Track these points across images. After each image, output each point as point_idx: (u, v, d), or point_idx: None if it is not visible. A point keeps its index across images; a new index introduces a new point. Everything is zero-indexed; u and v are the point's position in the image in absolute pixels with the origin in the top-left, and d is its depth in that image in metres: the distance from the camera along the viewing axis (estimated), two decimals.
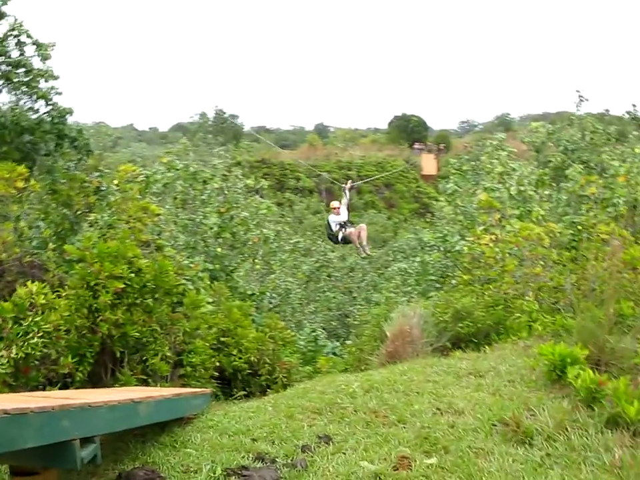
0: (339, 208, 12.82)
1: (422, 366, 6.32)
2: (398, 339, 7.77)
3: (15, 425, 2.70)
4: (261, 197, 17.20)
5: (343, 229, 12.65)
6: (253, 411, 5.14)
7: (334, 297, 23.17)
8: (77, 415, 3.17)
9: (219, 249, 12.68)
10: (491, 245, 9.32)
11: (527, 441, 4.09)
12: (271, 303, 16.51)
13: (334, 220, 12.85)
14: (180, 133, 66.55)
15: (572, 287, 8.12)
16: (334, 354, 14.38)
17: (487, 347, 7.12)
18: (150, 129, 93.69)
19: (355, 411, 4.88)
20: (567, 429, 4.17)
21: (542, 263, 8.86)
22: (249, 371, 8.16)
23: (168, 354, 6.66)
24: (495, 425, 4.36)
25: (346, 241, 13.05)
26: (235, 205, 13.46)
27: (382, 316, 9.68)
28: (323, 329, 18.15)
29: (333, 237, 13.18)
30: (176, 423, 4.70)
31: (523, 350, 6.67)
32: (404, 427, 4.49)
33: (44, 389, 5.57)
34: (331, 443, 4.26)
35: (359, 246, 13.08)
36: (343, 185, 13.77)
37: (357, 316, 19.72)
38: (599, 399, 4.51)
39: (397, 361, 7.32)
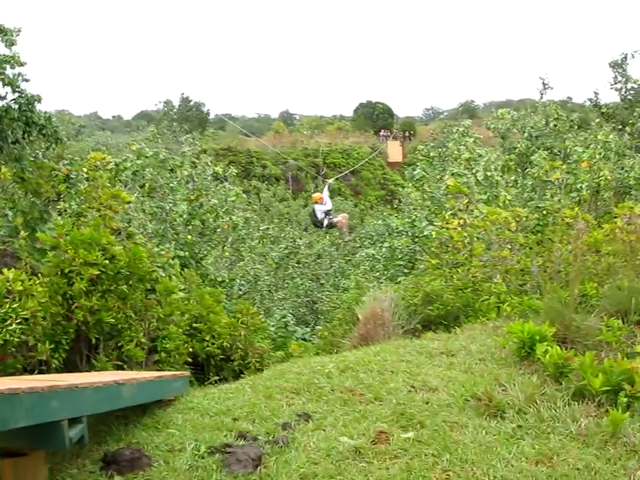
0: (322, 198, 15.12)
1: (395, 347, 6.46)
2: (370, 321, 7.91)
3: (7, 404, 2.76)
4: (228, 184, 17.18)
5: (329, 217, 15.03)
6: (231, 392, 5.23)
7: (302, 284, 23.30)
8: (64, 396, 3.23)
9: (189, 237, 12.70)
10: (459, 229, 9.50)
11: (499, 414, 4.26)
12: (240, 289, 16.58)
13: (320, 209, 15.12)
14: (144, 120, 65.93)
15: (538, 270, 8.35)
16: (304, 339, 14.52)
17: (457, 328, 7.29)
18: (114, 117, 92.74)
19: (332, 390, 5.00)
20: (536, 402, 4.35)
21: (509, 246, 9.07)
22: (221, 357, 8.25)
23: (143, 340, 6.70)
24: (468, 400, 4.52)
25: (331, 226, 15.59)
26: (204, 193, 13.47)
27: (353, 300, 9.83)
28: (292, 315, 18.27)
29: (318, 223, 15.57)
30: (156, 405, 4.77)
31: (492, 330, 6.86)
32: (380, 404, 4.63)
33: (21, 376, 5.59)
34: (310, 421, 4.38)
35: (344, 231, 16.93)
36: (327, 180, 16.53)
37: (326, 302, 19.90)
38: (566, 374, 4.71)
39: (369, 343, 7.45)
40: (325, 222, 15.26)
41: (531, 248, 8.84)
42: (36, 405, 2.96)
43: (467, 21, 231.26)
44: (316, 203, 15.44)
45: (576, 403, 4.32)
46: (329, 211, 15.26)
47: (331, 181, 16.59)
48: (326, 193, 15.43)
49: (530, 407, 4.31)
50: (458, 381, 5.01)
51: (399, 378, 5.21)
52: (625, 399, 4.17)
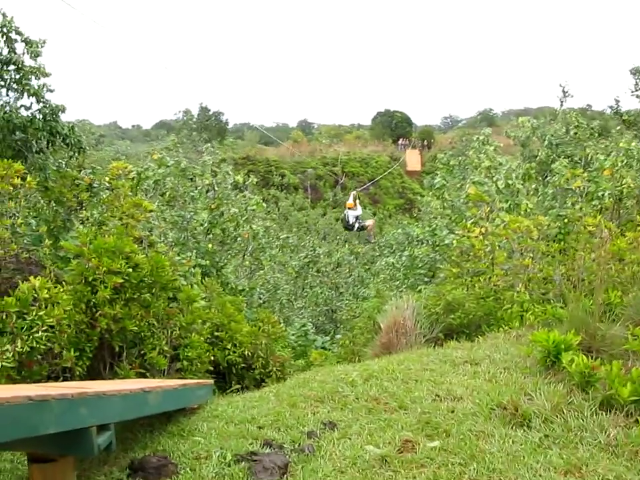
0: (354, 205, 18.26)
1: (418, 355, 6.44)
2: (392, 330, 7.89)
3: (38, 410, 2.78)
4: (249, 193, 17.25)
5: (359, 221, 18.36)
6: (256, 400, 5.23)
7: (321, 293, 23.30)
8: (93, 403, 3.24)
9: (209, 245, 12.76)
10: (481, 237, 9.45)
11: (525, 424, 4.22)
12: (260, 298, 16.62)
13: (352, 214, 18.35)
14: (164, 130, 66.48)
15: (561, 278, 8.28)
16: (324, 348, 14.52)
17: (479, 337, 7.25)
18: (133, 126, 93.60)
19: (357, 398, 4.99)
20: (563, 412, 4.31)
21: (530, 255, 9.01)
22: (243, 365, 8.25)
23: (165, 348, 6.73)
24: (494, 409, 4.49)
25: (361, 229, 19.28)
26: (225, 201, 13.53)
27: (375, 308, 9.81)
28: (311, 323, 18.27)
29: (350, 227, 18.95)
30: (181, 413, 4.79)
31: (516, 339, 6.81)
32: (405, 413, 4.61)
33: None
34: (335, 429, 4.36)
35: (371, 234, 22.05)
36: (353, 192, 19.87)
37: (345, 311, 19.89)
38: (593, 383, 4.66)
39: (392, 351, 7.44)
40: (356, 225, 18.62)
41: (553, 256, 8.78)
42: (65, 411, 2.98)
43: (485, 28, 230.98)
44: (349, 209, 18.53)
45: (604, 413, 4.28)
46: (359, 215, 18.42)
47: (354, 192, 19.71)
48: (357, 201, 18.56)
49: (557, 416, 4.27)
50: (483, 389, 4.98)
51: (423, 387, 5.18)
52: None
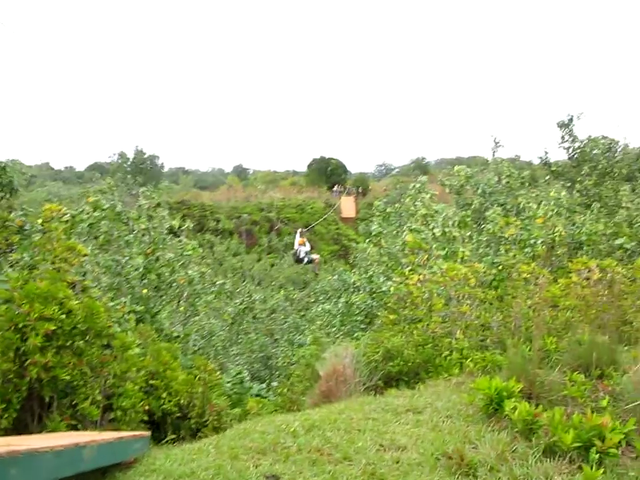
0: (304, 242, 22.16)
1: (359, 404, 6.37)
2: (331, 378, 7.79)
3: None
4: (185, 238, 17.01)
5: (309, 256, 22.34)
6: (194, 452, 5.04)
7: (256, 339, 23.00)
8: (23, 462, 3.03)
9: (144, 291, 12.45)
10: (419, 284, 9.54)
11: (471, 473, 4.20)
12: (195, 345, 16.26)
13: (303, 250, 22.18)
14: (97, 172, 65.40)
15: (498, 325, 8.42)
16: (259, 396, 14.23)
17: (420, 385, 7.24)
18: (66, 167, 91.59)
19: (299, 449, 4.87)
20: (508, 460, 4.32)
21: (468, 302, 9.13)
22: (178, 414, 7.98)
23: (98, 398, 6.46)
24: (439, 459, 4.45)
25: (309, 262, 23.32)
26: (160, 246, 13.28)
27: (313, 356, 9.70)
28: (247, 370, 17.95)
29: (300, 260, 22.79)
30: (117, 468, 4.55)
31: (456, 386, 6.83)
32: (350, 464, 4.51)
33: None
34: None
35: (316, 266, 28.65)
36: (299, 230, 24.59)
37: (281, 357, 19.66)
38: (535, 430, 4.70)
39: (332, 400, 7.34)
40: (306, 259, 22.55)
41: (491, 303, 8.92)
42: None
43: (418, 79, 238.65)
44: (300, 245, 22.28)
45: (547, 460, 4.30)
46: (308, 251, 22.42)
47: (300, 230, 24.51)
48: (304, 239, 22.47)
49: (502, 464, 4.27)
50: (427, 438, 4.94)
51: (366, 436, 5.11)
52: (596, 455, 4.16)
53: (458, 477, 4.16)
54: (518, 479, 4.08)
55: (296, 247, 22.48)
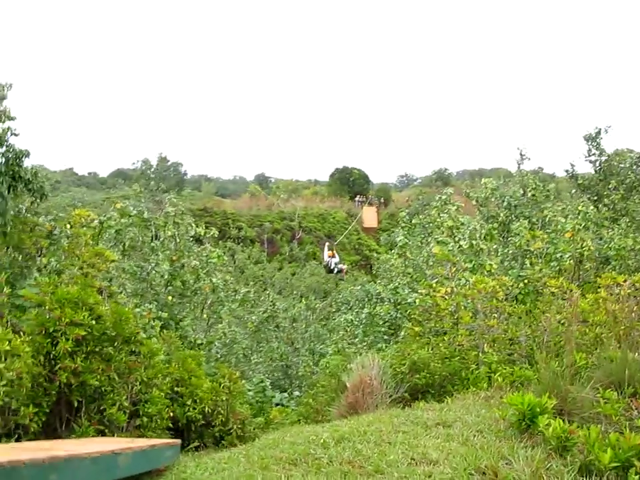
0: (333, 254, 25.38)
1: (388, 417, 6.31)
2: (358, 389, 7.75)
3: (8, 479, 2.57)
4: (209, 245, 17.10)
5: (338, 266, 25.36)
6: (225, 462, 5.02)
7: (277, 348, 23.00)
8: (63, 468, 3.04)
9: (169, 297, 12.52)
10: (447, 297, 9.49)
11: None
12: (217, 352, 16.31)
13: (334, 261, 25.21)
14: (120, 179, 66.02)
15: (526, 339, 8.33)
16: (281, 405, 14.22)
17: (448, 398, 7.18)
18: (89, 173, 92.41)
19: (330, 461, 4.82)
20: (542, 477, 4.24)
21: (495, 315, 9.06)
22: (202, 422, 8.00)
23: (125, 404, 6.48)
24: (472, 474, 4.39)
25: (339, 272, 26.92)
26: (186, 253, 13.36)
27: (338, 366, 9.67)
28: (268, 379, 17.95)
29: (331, 270, 26.04)
30: (147, 476, 4.55)
31: (485, 401, 6.76)
32: (382, 477, 4.47)
33: None
34: None
35: (344, 275, 30.82)
36: (327, 244, 28.46)
37: (302, 367, 19.64)
38: (570, 448, 4.62)
39: (359, 411, 7.30)
40: (336, 269, 25.69)
41: (520, 317, 8.84)
42: (35, 478, 2.77)
43: (442, 89, 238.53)
44: (330, 257, 25.35)
45: (583, 479, 4.22)
46: (337, 262, 25.42)
47: (327, 244, 28.37)
48: (334, 251, 25.90)
49: None
50: (458, 453, 4.88)
51: (397, 449, 5.06)
52: (636, 477, 4.08)
53: None
54: None
55: (326, 259, 25.67)
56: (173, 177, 60.56)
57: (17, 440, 5.50)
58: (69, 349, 5.89)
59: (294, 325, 26.02)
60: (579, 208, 12.86)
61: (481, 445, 5.06)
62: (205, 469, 4.80)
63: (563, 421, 5.05)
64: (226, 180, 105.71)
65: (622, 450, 4.26)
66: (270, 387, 16.98)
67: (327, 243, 28.89)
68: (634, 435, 4.40)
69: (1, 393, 4.91)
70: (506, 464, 4.53)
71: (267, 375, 19.56)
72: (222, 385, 8.62)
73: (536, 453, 4.68)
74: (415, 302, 11.43)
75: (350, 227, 47.75)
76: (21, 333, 6.07)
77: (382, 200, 66.69)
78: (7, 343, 5.22)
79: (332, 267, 25.21)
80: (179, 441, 5.86)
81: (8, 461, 2.58)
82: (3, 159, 9.15)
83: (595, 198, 18.82)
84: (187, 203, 49.63)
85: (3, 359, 5.12)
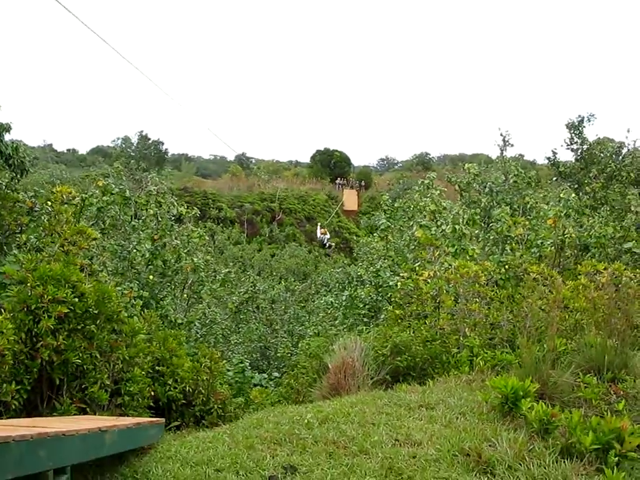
0: (325, 231, 36.02)
1: (371, 398, 6.36)
2: (340, 371, 7.78)
3: None
4: (191, 225, 16.98)
5: (329, 241, 36.68)
6: (209, 441, 5.03)
7: (256, 329, 22.98)
8: (51, 444, 3.02)
9: (150, 277, 12.43)
10: (429, 280, 9.52)
11: (489, 471, 4.20)
12: (197, 332, 16.25)
13: (326, 237, 36.29)
14: (100, 156, 65.23)
15: (508, 324, 8.41)
16: (259, 385, 14.23)
17: (430, 381, 7.24)
18: (68, 150, 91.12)
19: (315, 441, 4.86)
20: (525, 459, 4.31)
21: (477, 299, 9.12)
22: (183, 401, 7.99)
23: (107, 382, 6.44)
24: (456, 455, 4.44)
25: (329, 246, 38.71)
26: (168, 232, 13.26)
27: (320, 348, 9.69)
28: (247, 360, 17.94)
29: (324, 246, 37.59)
30: (132, 454, 4.55)
31: (467, 384, 6.83)
32: (366, 458, 4.51)
33: None
34: (297, 474, 4.23)
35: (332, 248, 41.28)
36: (319, 224, 38.74)
37: (281, 348, 19.66)
38: (552, 430, 4.69)
39: (341, 393, 7.33)
40: (327, 244, 35.23)
41: (501, 302, 8.90)
42: (25, 454, 2.75)
43: (423, 72, 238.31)
44: (323, 234, 34.36)
45: (565, 461, 4.29)
46: (329, 238, 34.72)
47: (319, 224, 37.45)
48: (325, 229, 34.28)
49: (520, 464, 4.26)
50: (442, 435, 4.93)
51: (381, 431, 5.10)
52: (615, 458, 4.15)
53: (476, 475, 4.16)
54: (536, 479, 4.07)
55: (319, 236, 35.31)
56: (154, 155, 59.89)
57: None
58: (51, 327, 5.83)
59: (273, 306, 26.02)
60: (561, 195, 12.95)
61: (464, 427, 5.12)
62: (189, 448, 4.81)
63: (545, 404, 5.12)
64: (206, 160, 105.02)
65: (603, 433, 4.33)
66: (249, 367, 17.01)
67: (319, 224, 37.56)
68: (614, 418, 4.47)
69: None
70: (489, 446, 4.59)
71: (245, 356, 19.55)
72: (203, 365, 8.60)
73: (518, 435, 4.74)
74: (396, 285, 11.45)
75: (336, 209, 49.00)
76: (1, 310, 6.01)
77: (362, 183, 66.63)
78: None
79: (324, 243, 33.90)
80: (162, 420, 5.86)
81: None
82: None
83: (576, 186, 18.97)
84: (168, 183, 49.28)
85: None
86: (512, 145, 19.51)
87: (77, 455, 3.35)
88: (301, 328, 22.74)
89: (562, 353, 6.94)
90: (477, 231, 13.66)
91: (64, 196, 9.64)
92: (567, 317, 8.40)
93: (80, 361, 6.09)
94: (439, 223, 12.82)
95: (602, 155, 19.58)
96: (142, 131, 61.76)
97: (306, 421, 5.40)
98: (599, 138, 20.41)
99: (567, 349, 7.11)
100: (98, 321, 6.59)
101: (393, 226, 15.47)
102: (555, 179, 20.65)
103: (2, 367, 5.17)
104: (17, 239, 9.49)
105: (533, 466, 4.22)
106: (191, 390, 8.07)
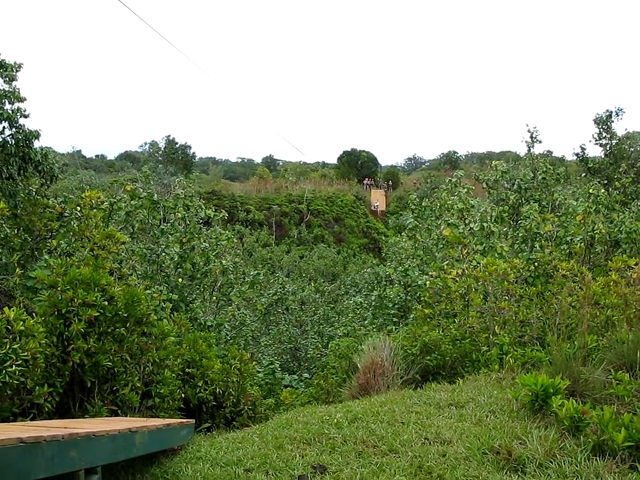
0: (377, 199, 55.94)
1: (401, 397, 6.34)
2: (369, 371, 7.77)
3: (30, 454, 2.59)
4: (219, 228, 17.07)
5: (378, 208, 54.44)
6: (239, 441, 5.06)
7: (286, 330, 23.05)
8: (82, 445, 3.06)
9: (179, 279, 12.53)
10: (457, 279, 9.46)
11: (520, 469, 4.14)
12: (226, 335, 16.34)
13: (377, 204, 54.85)
14: (128, 161, 65.92)
15: (537, 321, 8.31)
16: (289, 386, 14.27)
17: (459, 380, 7.19)
18: (97, 156, 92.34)
19: (345, 441, 4.85)
20: (556, 457, 4.25)
21: (506, 297, 9.04)
22: (213, 403, 8.05)
23: (137, 384, 6.51)
24: (486, 454, 4.40)
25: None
26: (196, 235, 13.35)
27: (349, 348, 9.68)
28: (277, 361, 18.00)
29: (375, 211, 54.56)
30: (163, 454, 4.59)
31: (496, 382, 6.77)
32: (396, 457, 4.49)
33: (14, 420, 5.36)
34: (326, 473, 4.22)
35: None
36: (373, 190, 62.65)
37: (311, 349, 19.68)
38: (583, 428, 4.62)
39: (370, 392, 7.32)
40: (378, 210, 50.19)
41: (531, 299, 8.81)
42: (56, 454, 2.79)
43: (451, 72, 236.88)
44: (376, 202, 53.74)
45: (597, 458, 4.22)
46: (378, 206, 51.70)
47: (373, 190, 52.65)
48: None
49: (551, 461, 4.20)
50: (471, 433, 4.89)
51: (410, 429, 5.07)
52: None
53: (506, 472, 4.11)
54: (568, 477, 4.01)
55: (375, 203, 46.53)
56: (181, 159, 60.26)
57: (32, 419, 5.55)
58: (82, 330, 5.90)
59: (302, 307, 26.04)
60: (590, 191, 12.76)
61: (494, 425, 5.07)
62: (219, 449, 4.83)
63: (576, 401, 5.05)
64: (233, 163, 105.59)
65: (635, 430, 4.26)
66: (279, 369, 17.06)
67: (373, 190, 47.43)
68: None
69: (16, 372, 4.93)
70: (519, 444, 4.54)
71: (275, 358, 19.62)
72: (233, 367, 8.65)
73: (549, 433, 4.68)
74: (425, 284, 11.39)
75: (360, 212, 51.96)
76: (33, 314, 6.10)
77: (390, 183, 66.44)
78: (22, 323, 5.24)
79: (375, 208, 39.61)
80: (193, 421, 5.90)
81: (29, 437, 2.60)
82: (13, 140, 9.13)
83: (605, 181, 18.70)
84: (195, 186, 49.66)
85: (17, 339, 5.15)
86: (540, 142, 19.24)
87: (108, 455, 3.39)
88: (330, 329, 22.72)
89: (593, 349, 6.85)
90: (505, 229, 13.55)
91: (93, 201, 9.77)
92: (597, 313, 8.27)
93: (110, 364, 6.16)
94: (467, 221, 12.74)
95: (632, 149, 19.27)
96: (169, 135, 62.25)
97: (335, 420, 5.39)
98: (629, 132, 20.11)
99: (598, 345, 7.01)
100: (128, 324, 6.66)
101: (420, 225, 15.40)
102: (583, 174, 20.38)
103: (34, 369, 5.24)
104: (48, 244, 9.64)
105: (564, 464, 4.15)
106: (221, 392, 8.12)
